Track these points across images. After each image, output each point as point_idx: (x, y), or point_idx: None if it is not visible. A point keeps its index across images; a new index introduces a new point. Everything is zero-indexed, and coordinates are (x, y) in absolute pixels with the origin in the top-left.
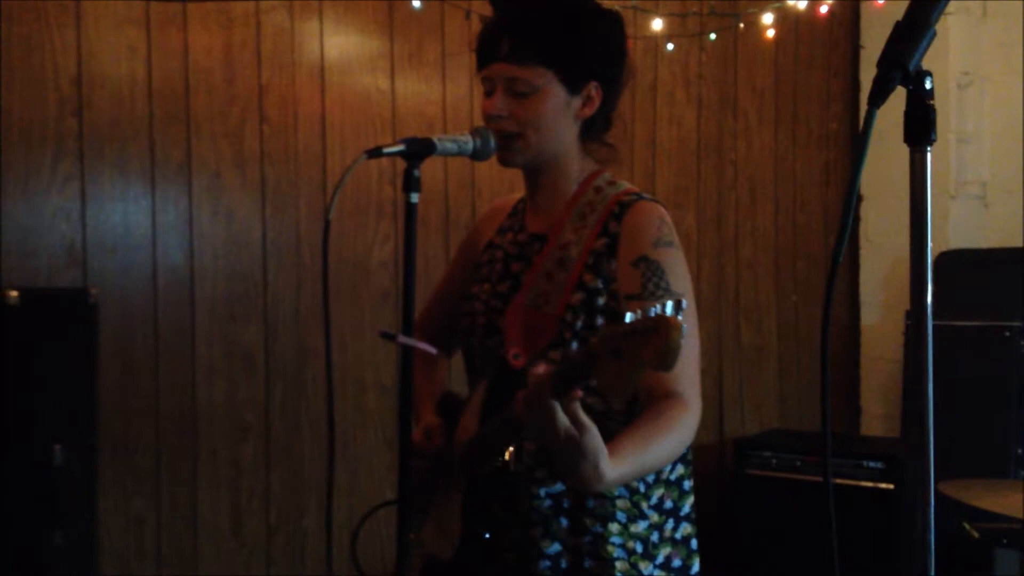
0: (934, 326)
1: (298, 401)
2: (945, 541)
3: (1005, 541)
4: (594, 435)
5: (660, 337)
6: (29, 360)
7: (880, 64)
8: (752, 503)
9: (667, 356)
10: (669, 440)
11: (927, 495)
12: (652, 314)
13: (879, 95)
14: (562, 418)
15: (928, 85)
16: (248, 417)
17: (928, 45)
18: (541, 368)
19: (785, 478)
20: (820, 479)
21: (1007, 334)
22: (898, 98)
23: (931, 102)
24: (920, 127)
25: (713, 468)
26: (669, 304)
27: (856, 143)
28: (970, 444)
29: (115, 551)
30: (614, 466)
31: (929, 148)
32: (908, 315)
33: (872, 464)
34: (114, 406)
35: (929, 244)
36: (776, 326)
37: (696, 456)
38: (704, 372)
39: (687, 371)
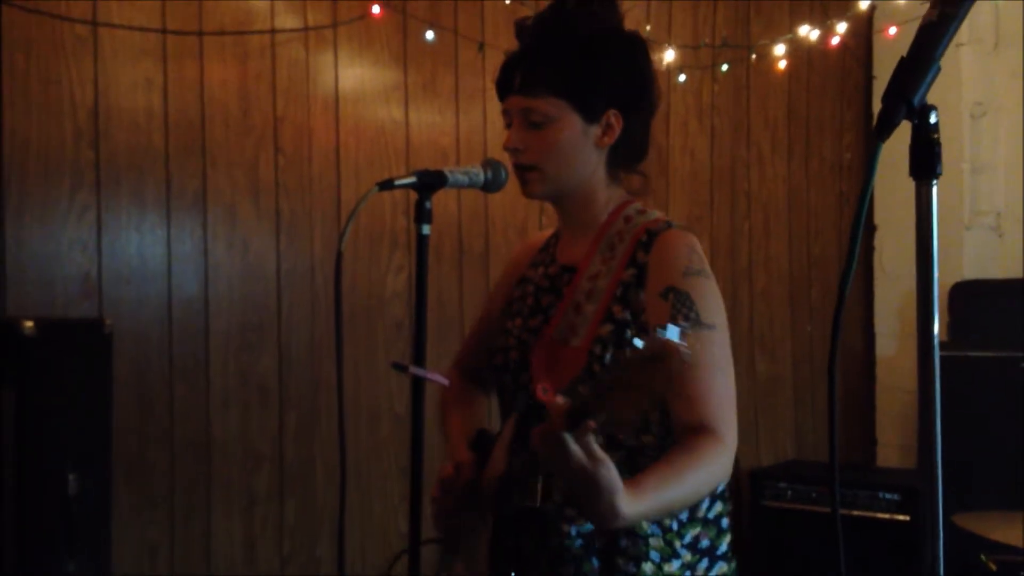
0: (949, 357)
1: (312, 430)
2: (963, 574)
3: (1023, 574)
4: (609, 468)
5: (666, 363)
6: (44, 389)
7: (885, 98)
8: (767, 534)
9: (668, 382)
10: (696, 477)
11: (936, 527)
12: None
13: (884, 129)
14: (575, 450)
15: (933, 119)
16: (262, 446)
17: (933, 79)
18: (560, 399)
19: (800, 509)
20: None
21: (1022, 365)
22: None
23: (936, 136)
24: (926, 161)
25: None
26: (671, 328)
27: (864, 176)
28: (987, 476)
29: None
30: (632, 502)
31: (935, 181)
32: None
33: (888, 495)
34: (128, 435)
35: (936, 278)
36: (791, 356)
37: None
38: None
39: (721, 404)
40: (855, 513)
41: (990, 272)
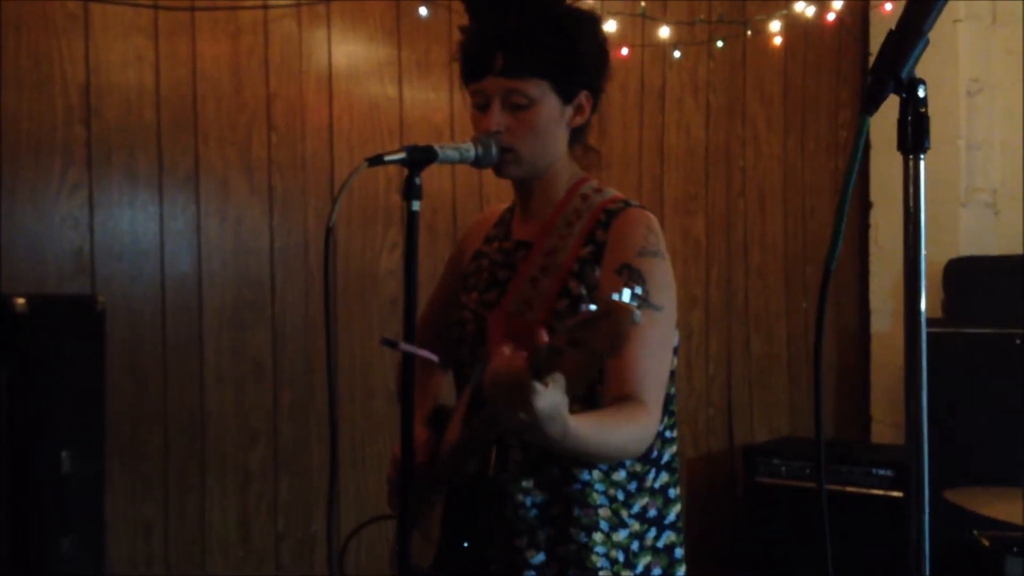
0: (945, 333)
1: (306, 408)
2: (955, 550)
3: (1016, 550)
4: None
5: (611, 322)
6: (37, 367)
7: (873, 72)
8: (761, 510)
9: (616, 341)
10: (626, 429)
11: (921, 502)
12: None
13: (871, 103)
14: (542, 393)
15: (922, 93)
16: (256, 424)
17: (921, 53)
18: (508, 349)
19: (794, 486)
20: (831, 487)
21: (1018, 342)
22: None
23: (924, 110)
24: (913, 135)
25: (722, 475)
26: (627, 291)
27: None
28: (981, 452)
29: (123, 557)
30: (573, 416)
31: (923, 156)
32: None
33: (882, 472)
34: (122, 412)
35: (923, 253)
36: (786, 334)
37: (705, 463)
38: (713, 379)
39: (652, 382)
40: (848, 489)
41: (986, 249)
